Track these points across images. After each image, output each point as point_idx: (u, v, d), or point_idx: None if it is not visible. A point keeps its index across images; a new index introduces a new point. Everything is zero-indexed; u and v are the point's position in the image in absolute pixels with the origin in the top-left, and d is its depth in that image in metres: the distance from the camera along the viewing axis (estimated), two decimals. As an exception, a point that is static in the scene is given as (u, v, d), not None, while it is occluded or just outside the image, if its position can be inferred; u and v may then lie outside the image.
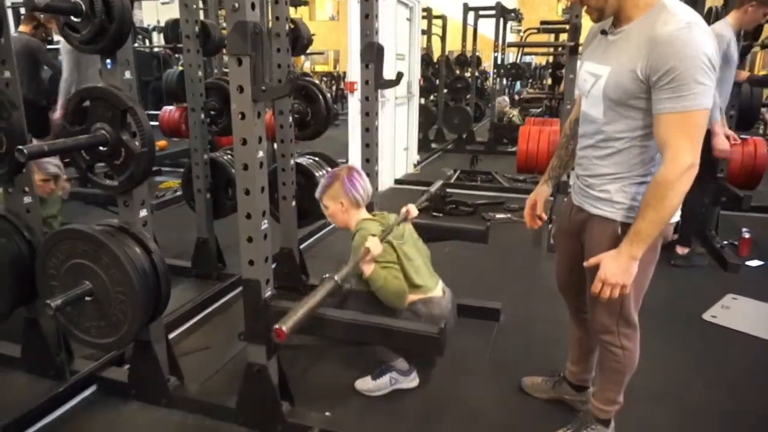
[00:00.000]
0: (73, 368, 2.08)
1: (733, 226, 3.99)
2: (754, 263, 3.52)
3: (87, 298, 1.69)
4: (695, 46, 1.25)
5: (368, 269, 1.87)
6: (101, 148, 1.66)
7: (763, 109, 7.16)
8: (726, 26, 3.13)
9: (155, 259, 1.72)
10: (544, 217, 1.87)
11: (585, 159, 1.58)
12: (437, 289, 2.07)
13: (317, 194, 2.12)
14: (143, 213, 1.80)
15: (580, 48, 2.72)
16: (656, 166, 1.43)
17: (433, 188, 2.56)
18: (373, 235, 1.88)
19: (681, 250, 3.55)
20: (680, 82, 1.25)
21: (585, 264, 1.50)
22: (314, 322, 1.60)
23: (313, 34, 3.32)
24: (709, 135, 3.08)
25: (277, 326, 1.29)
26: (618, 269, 1.39)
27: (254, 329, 1.77)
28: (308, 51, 3.51)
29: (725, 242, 3.70)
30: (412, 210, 2.15)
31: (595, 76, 1.46)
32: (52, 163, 2.51)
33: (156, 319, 1.84)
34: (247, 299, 1.75)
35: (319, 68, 17.07)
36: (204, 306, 2.76)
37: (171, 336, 2.39)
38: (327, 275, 1.56)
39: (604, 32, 1.47)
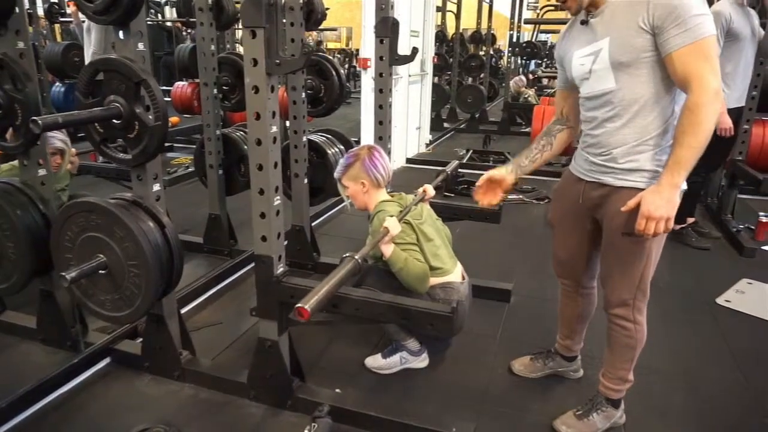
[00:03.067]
0: (87, 340, 2.11)
1: (750, 209, 3.92)
2: (771, 248, 3.47)
3: (101, 271, 1.70)
4: None
5: (387, 250, 1.84)
6: (115, 121, 1.65)
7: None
8: (724, 3, 3.02)
9: (168, 234, 1.72)
10: (499, 199, 1.84)
11: (603, 135, 1.55)
12: (456, 273, 2.05)
13: (336, 174, 2.08)
14: (156, 187, 1.80)
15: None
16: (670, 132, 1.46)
17: (449, 168, 2.52)
18: (392, 216, 1.86)
19: (675, 227, 3.53)
20: (683, 18, 1.33)
21: (623, 209, 1.46)
22: (332, 299, 1.59)
23: (327, 8, 3.27)
24: None
25: (299, 305, 1.27)
26: (662, 201, 1.38)
27: (266, 305, 1.77)
28: (321, 27, 3.46)
29: (741, 226, 3.65)
30: (429, 190, 2.12)
31: (593, 54, 1.51)
32: (58, 138, 2.51)
33: (169, 293, 1.85)
34: (259, 275, 1.75)
35: (331, 45, 16.87)
36: (216, 281, 2.78)
37: (183, 311, 2.42)
38: (348, 254, 1.54)
39: (583, 22, 1.54)
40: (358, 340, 2.30)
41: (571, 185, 1.73)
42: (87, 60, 4.12)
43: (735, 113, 3.20)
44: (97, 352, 2.07)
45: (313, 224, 3.16)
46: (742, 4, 3.06)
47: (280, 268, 1.75)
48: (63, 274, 1.61)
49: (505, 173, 1.81)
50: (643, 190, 1.46)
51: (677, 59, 1.36)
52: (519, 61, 9.75)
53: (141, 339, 2.11)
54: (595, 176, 1.62)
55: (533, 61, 11.49)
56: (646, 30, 1.39)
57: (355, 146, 3.05)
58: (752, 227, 3.68)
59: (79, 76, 1.68)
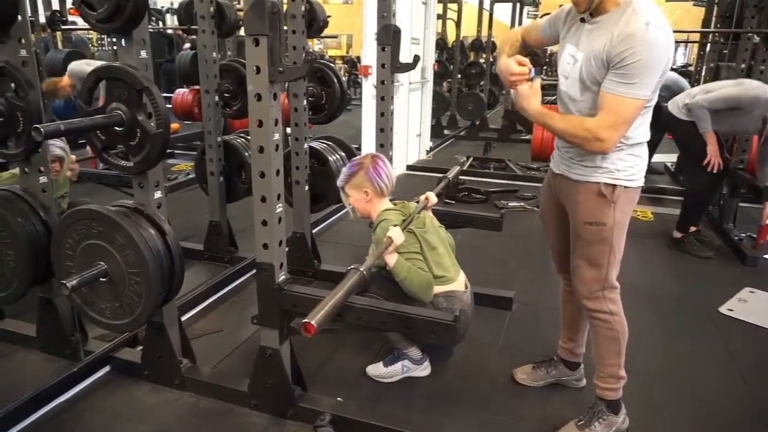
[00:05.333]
0: (87, 348, 2.09)
1: (751, 218, 3.92)
2: (773, 256, 3.47)
3: (102, 279, 1.69)
4: (646, 45, 1.42)
5: (391, 260, 1.83)
6: (117, 128, 1.65)
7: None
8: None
9: (169, 241, 1.71)
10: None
11: None
12: (459, 281, 2.04)
13: (339, 182, 2.08)
14: (158, 194, 1.79)
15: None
16: (630, 137, 1.57)
17: (450, 174, 2.52)
18: (395, 225, 1.85)
19: (676, 235, 3.58)
20: (626, 71, 1.44)
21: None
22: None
23: (329, 16, 3.28)
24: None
25: (306, 320, 1.26)
26: (526, 97, 1.60)
27: (267, 313, 1.76)
28: (322, 34, 3.47)
29: (743, 234, 3.64)
30: (432, 197, 2.12)
31: (573, 60, 1.61)
32: (57, 146, 2.50)
33: (170, 301, 1.84)
34: (261, 283, 1.74)
35: (331, 52, 16.94)
36: (216, 289, 2.77)
37: (184, 318, 2.40)
38: (353, 267, 1.53)
39: (582, 20, 1.60)
40: (360, 348, 2.29)
41: (549, 179, 1.87)
42: None
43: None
44: (97, 361, 2.05)
45: (313, 231, 3.16)
46: None
47: (281, 276, 1.74)
48: (63, 282, 1.60)
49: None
50: (598, 183, 1.62)
51: (601, 96, 1.51)
52: (519, 69, 9.76)
53: (141, 347, 2.10)
54: (561, 169, 1.75)
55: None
56: (605, 63, 1.50)
57: (357, 153, 3.06)
58: (754, 236, 3.67)
59: (82, 83, 1.68)
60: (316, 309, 1.30)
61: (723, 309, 2.75)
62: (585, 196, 1.66)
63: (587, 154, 1.63)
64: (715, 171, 3.29)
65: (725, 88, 3.28)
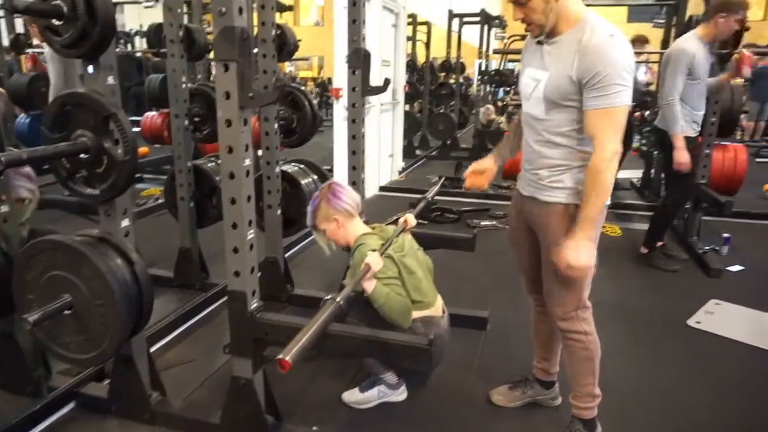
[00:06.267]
0: (50, 384, 2.01)
1: (714, 231, 4.04)
2: (735, 268, 3.57)
3: (66, 312, 1.63)
4: (616, 53, 1.48)
5: (369, 286, 1.82)
6: (82, 155, 1.61)
7: (742, 116, 7.30)
8: (692, 40, 3.17)
9: (137, 271, 1.67)
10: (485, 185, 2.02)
11: (533, 154, 1.71)
12: (437, 306, 2.03)
13: (309, 222, 2.07)
14: (125, 223, 1.75)
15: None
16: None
17: (429, 194, 2.51)
18: (373, 250, 1.84)
19: (643, 250, 3.66)
20: (604, 83, 1.47)
21: (552, 259, 1.63)
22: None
23: (299, 40, 3.29)
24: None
25: (280, 357, 1.23)
26: (579, 254, 1.55)
27: (239, 342, 1.73)
28: (293, 57, 3.48)
29: (707, 247, 3.75)
30: (411, 220, 2.11)
31: (535, 80, 1.63)
32: (26, 187, 2.30)
33: (138, 332, 1.78)
34: (233, 311, 1.71)
35: (303, 74, 16.99)
36: (187, 317, 2.70)
37: (153, 349, 2.33)
38: (329, 297, 1.51)
39: (539, 42, 1.64)
40: (335, 375, 2.26)
41: (516, 201, 1.87)
42: (50, 93, 4.04)
43: (691, 141, 3.32)
44: (61, 397, 1.97)
45: (286, 255, 3.12)
46: (706, 43, 3.19)
47: (254, 304, 1.71)
48: (25, 316, 1.54)
49: (488, 164, 1.98)
50: (566, 205, 1.64)
51: (590, 116, 1.53)
52: (488, 89, 9.97)
53: (108, 381, 2.02)
54: (529, 191, 1.75)
55: (502, 89, 11.75)
56: (574, 81, 1.52)
57: (329, 175, 3.05)
58: (717, 248, 3.79)
59: (45, 111, 1.64)
60: (291, 344, 1.27)
61: (691, 322, 2.81)
62: (554, 217, 1.67)
63: (555, 175, 1.65)
64: (684, 171, 3.24)
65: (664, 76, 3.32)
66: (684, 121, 3.24)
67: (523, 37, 9.53)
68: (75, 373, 2.07)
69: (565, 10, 1.54)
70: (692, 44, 3.13)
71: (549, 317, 1.93)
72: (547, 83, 1.58)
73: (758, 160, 7.46)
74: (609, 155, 1.50)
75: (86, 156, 1.61)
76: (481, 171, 1.98)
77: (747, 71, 3.23)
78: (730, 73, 3.34)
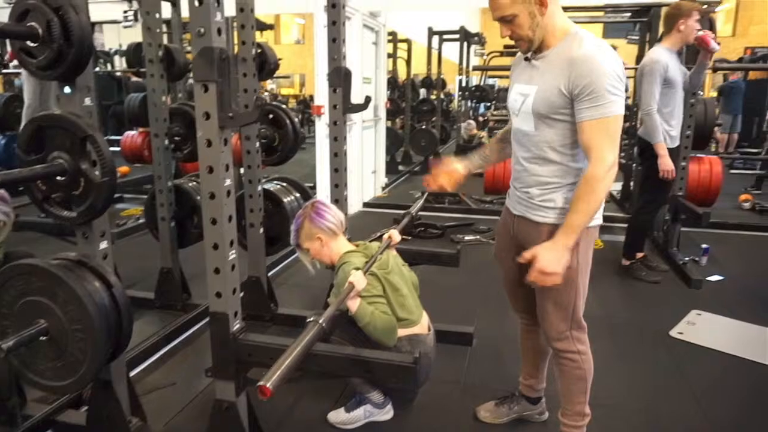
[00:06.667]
0: (25, 413, 1.94)
1: (693, 242, 4.11)
2: (715, 278, 3.63)
3: (42, 338, 1.58)
4: (606, 64, 1.47)
5: (353, 305, 1.80)
6: (59, 177, 1.58)
7: (716, 129, 7.48)
8: (661, 50, 3.26)
9: (116, 294, 1.63)
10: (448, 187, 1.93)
11: (523, 172, 1.69)
12: (423, 324, 2.02)
13: (293, 241, 2.06)
14: (103, 245, 1.72)
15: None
16: (585, 170, 1.56)
17: (413, 209, 2.50)
18: (357, 269, 1.82)
19: (624, 262, 3.69)
20: (596, 94, 1.46)
21: (519, 259, 1.59)
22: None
23: (280, 59, 3.30)
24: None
25: (260, 383, 1.20)
26: (554, 258, 1.51)
27: (222, 364, 1.69)
28: (274, 75, 3.49)
29: (687, 258, 3.80)
30: (395, 236, 2.10)
31: (523, 95, 1.62)
32: (1, 210, 2.31)
33: (117, 357, 1.74)
34: (215, 333, 1.68)
35: (284, 91, 17.03)
36: (168, 339, 2.65)
37: (133, 373, 2.28)
38: (311, 318, 1.48)
39: (527, 59, 1.64)
40: (320, 394, 2.23)
41: (505, 219, 1.84)
42: (23, 113, 3.98)
43: (674, 152, 3.38)
44: (37, 426, 1.91)
45: (269, 274, 3.10)
46: (675, 53, 3.28)
47: (236, 325, 1.68)
48: (-1, 343, 1.49)
49: (459, 167, 1.92)
50: (557, 225, 1.59)
51: (584, 129, 1.50)
52: (469, 104, 10.09)
53: (86, 407, 1.96)
54: (519, 210, 1.72)
55: (483, 104, 11.90)
56: (565, 94, 1.51)
57: (311, 193, 3.04)
58: (696, 259, 3.84)
59: (19, 132, 1.61)
60: (272, 369, 1.24)
61: (673, 332, 2.84)
62: (545, 238, 1.61)
63: (546, 194, 1.62)
64: (669, 179, 3.28)
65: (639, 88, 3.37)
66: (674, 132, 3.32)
67: (501, 54, 9.69)
68: (51, 400, 2.01)
69: (551, 25, 1.54)
70: (663, 54, 3.22)
71: (538, 336, 1.94)
72: (535, 97, 1.57)
73: (732, 171, 7.64)
74: (606, 167, 1.47)
75: (62, 178, 1.58)
76: (450, 172, 1.91)
77: (714, 45, 3.30)
78: (702, 54, 3.38)
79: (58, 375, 1.63)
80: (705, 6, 3.46)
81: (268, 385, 1.19)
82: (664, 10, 3.28)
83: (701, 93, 3.85)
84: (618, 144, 1.51)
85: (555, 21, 1.55)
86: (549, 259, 1.51)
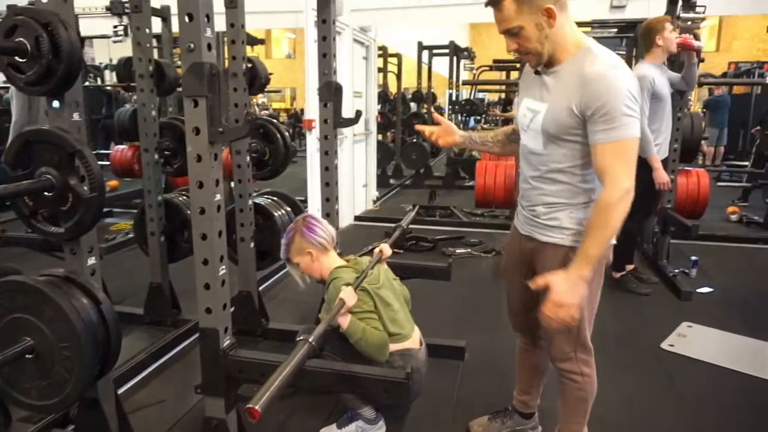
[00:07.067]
0: (10, 432, 1.91)
1: (683, 254, 4.14)
2: (705, 290, 3.64)
3: (28, 356, 1.56)
4: (621, 84, 1.39)
5: (344, 322, 1.78)
6: (46, 193, 1.57)
7: (703, 142, 7.58)
8: (646, 66, 3.30)
9: (104, 311, 1.61)
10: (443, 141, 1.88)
11: (531, 191, 1.64)
12: (414, 339, 2.00)
13: (283, 255, 2.05)
14: (91, 261, 1.70)
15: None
16: (596, 191, 1.51)
17: (404, 222, 2.49)
18: (347, 284, 1.81)
19: (615, 275, 3.70)
20: (611, 115, 1.38)
21: (531, 284, 1.52)
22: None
23: (271, 73, 3.31)
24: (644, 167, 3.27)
25: (249, 406, 1.17)
26: (568, 290, 1.43)
27: (212, 381, 1.67)
28: (265, 89, 3.50)
29: (677, 270, 3.82)
30: (386, 250, 2.10)
31: (533, 112, 1.55)
32: None
33: (105, 374, 1.71)
34: (205, 349, 1.66)
35: (276, 105, 17.06)
36: (158, 356, 2.62)
37: (121, 390, 2.25)
38: (301, 337, 1.47)
39: (537, 72, 1.56)
40: (312, 410, 2.20)
41: (513, 237, 1.80)
42: (11, 128, 3.96)
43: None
44: (22, 445, 1.87)
45: (260, 288, 3.07)
46: (661, 66, 3.33)
47: (226, 341, 1.67)
48: (-18, 362, 1.47)
49: (456, 131, 1.87)
50: (564, 247, 1.54)
51: (598, 152, 1.43)
52: (459, 118, 10.16)
53: (72, 426, 1.93)
54: (527, 229, 1.68)
55: (473, 118, 11.99)
56: (576, 114, 1.44)
57: (303, 207, 3.03)
58: (686, 271, 3.87)
59: (6, 147, 1.60)
60: (261, 391, 1.21)
61: (665, 345, 2.85)
62: (553, 261, 1.56)
63: (551, 212, 1.57)
64: (665, 189, 3.35)
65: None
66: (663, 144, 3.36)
67: (490, 68, 9.76)
68: (37, 419, 1.97)
69: (562, 37, 1.46)
70: (649, 69, 3.26)
71: (536, 356, 1.92)
72: (545, 115, 1.50)
73: (719, 184, 7.73)
74: (622, 192, 1.39)
75: (50, 194, 1.57)
76: (449, 132, 1.87)
77: (696, 43, 3.35)
78: (687, 55, 3.42)
79: (43, 394, 1.60)
80: (688, 23, 3.51)
81: (257, 408, 1.17)
82: (639, 29, 3.33)
83: (691, 102, 3.90)
84: (634, 168, 1.42)
85: (565, 33, 1.46)
86: (564, 291, 1.42)
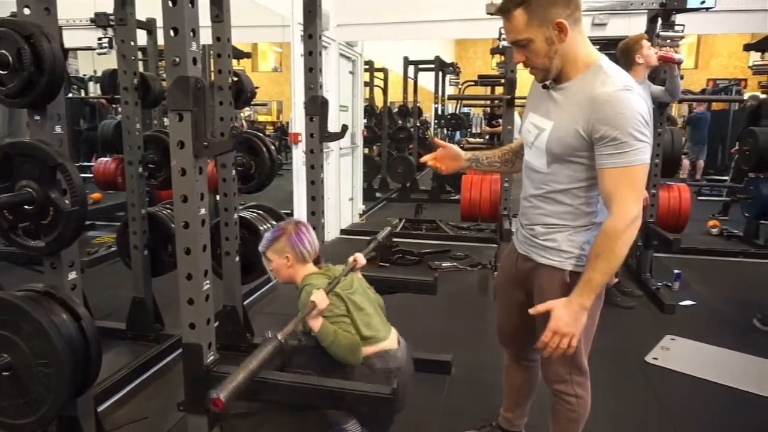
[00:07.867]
0: (-15, 452, 1.85)
1: (665, 267, 4.18)
2: (687, 303, 3.69)
3: (4, 374, 1.52)
4: (632, 106, 1.32)
5: (316, 324, 1.78)
6: (27, 206, 1.54)
7: (683, 157, 7.72)
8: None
9: (85, 326, 1.58)
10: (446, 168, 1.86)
11: (531, 209, 1.60)
12: (391, 339, 1.99)
13: (261, 247, 2.03)
14: (72, 275, 1.67)
15: (520, 100, 2.78)
16: (599, 214, 1.48)
17: (380, 236, 2.50)
18: (319, 289, 1.82)
19: None
20: (621, 139, 1.32)
21: (531, 311, 1.49)
22: (254, 386, 1.49)
23: (257, 87, 3.31)
24: None
25: (214, 395, 1.19)
26: (569, 318, 1.40)
27: (195, 398, 1.64)
28: (252, 102, 3.49)
29: (660, 284, 3.86)
30: (360, 259, 2.09)
31: (538, 129, 1.50)
32: None
33: (85, 392, 1.67)
34: (188, 366, 1.63)
35: (262, 118, 17.05)
36: (140, 371, 2.57)
37: (102, 408, 2.20)
38: (269, 334, 1.47)
39: (545, 86, 1.51)
40: (298, 426, 2.17)
41: (509, 254, 1.77)
42: None
43: None
44: (-3, 466, 1.82)
45: (245, 303, 3.05)
46: (644, 82, 3.39)
47: (210, 357, 1.64)
48: (-43, 380, 1.43)
49: (462, 155, 1.83)
50: (562, 270, 1.51)
51: (605, 176, 1.37)
52: (445, 132, 10.23)
53: (50, 446, 1.88)
54: (524, 249, 1.65)
55: (458, 132, 12.08)
56: (583, 136, 1.38)
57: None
58: (669, 284, 3.91)
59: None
60: (226, 382, 1.23)
61: (648, 358, 2.87)
62: (549, 284, 1.53)
63: (549, 233, 1.52)
64: (644, 203, 3.40)
65: None
66: None
67: (475, 83, 9.85)
68: (13, 439, 1.92)
69: (573, 53, 1.40)
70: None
71: (522, 373, 1.91)
72: (550, 134, 1.44)
73: (700, 198, 7.85)
74: (629, 220, 1.34)
75: (30, 207, 1.54)
76: (453, 156, 1.83)
77: (677, 56, 3.42)
78: (668, 67, 3.49)
79: (19, 413, 1.56)
80: (668, 41, 3.59)
81: (220, 396, 1.18)
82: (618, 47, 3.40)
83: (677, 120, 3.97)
84: (642, 196, 1.38)
85: (577, 49, 1.41)
86: (564, 320, 1.39)
